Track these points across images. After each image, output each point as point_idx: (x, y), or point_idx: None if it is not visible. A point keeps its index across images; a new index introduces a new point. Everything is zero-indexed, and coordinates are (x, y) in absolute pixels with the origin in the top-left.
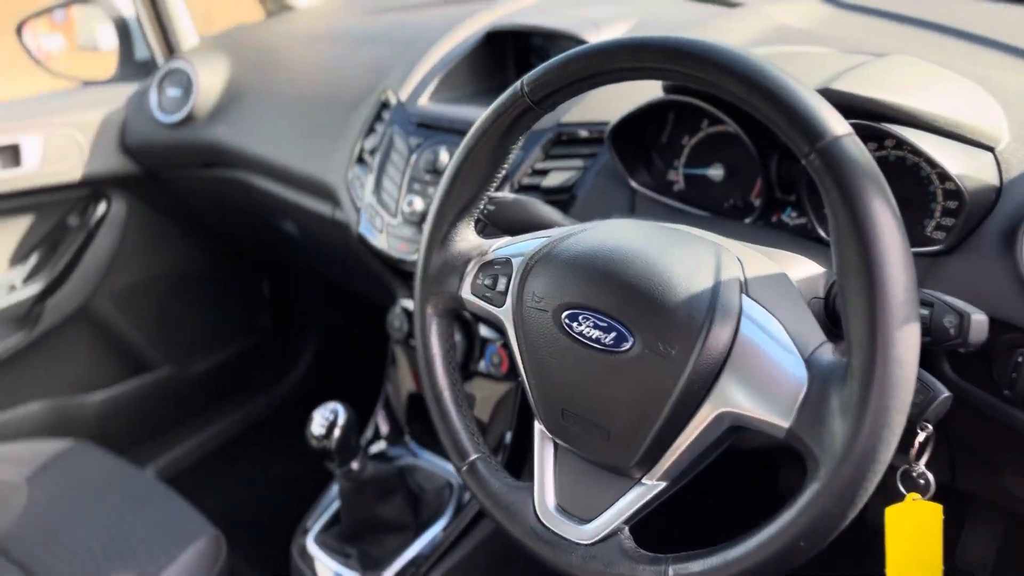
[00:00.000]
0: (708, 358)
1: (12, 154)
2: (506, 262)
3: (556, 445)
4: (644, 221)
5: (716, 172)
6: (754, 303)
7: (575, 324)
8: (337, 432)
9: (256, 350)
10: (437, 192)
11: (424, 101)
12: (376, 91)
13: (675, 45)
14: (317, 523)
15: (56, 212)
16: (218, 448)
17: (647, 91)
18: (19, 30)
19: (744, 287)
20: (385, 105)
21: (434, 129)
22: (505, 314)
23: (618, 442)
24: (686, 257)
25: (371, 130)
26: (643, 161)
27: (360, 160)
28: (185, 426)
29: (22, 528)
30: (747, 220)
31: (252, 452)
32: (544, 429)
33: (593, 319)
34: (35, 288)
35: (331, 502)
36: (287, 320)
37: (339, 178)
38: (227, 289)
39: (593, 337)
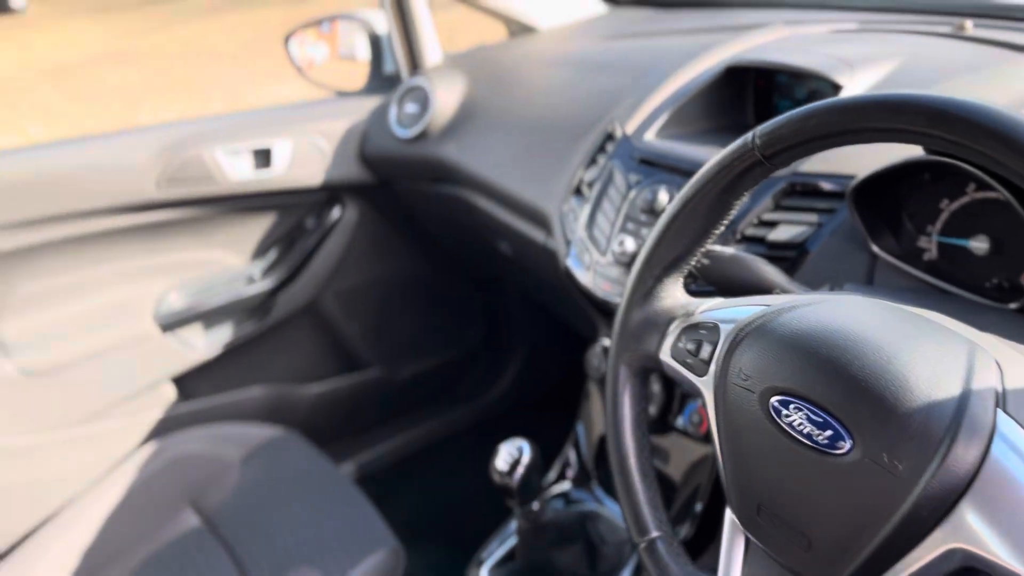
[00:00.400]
0: (945, 481)
1: (264, 157)
2: (713, 327)
3: (748, 540)
4: (883, 302)
5: (979, 245)
6: (1013, 422)
7: (784, 412)
8: (520, 471)
9: (462, 362)
10: (646, 242)
11: (650, 136)
12: (603, 121)
13: (942, 107)
14: (493, 556)
15: (296, 213)
16: (411, 455)
17: (903, 145)
18: (287, 39)
19: (1001, 400)
20: (610, 137)
21: (656, 167)
22: (705, 385)
23: (821, 555)
24: (930, 354)
25: (593, 161)
26: (890, 223)
27: (578, 191)
28: (384, 428)
29: (231, 507)
30: (1012, 305)
31: (443, 463)
32: (735, 520)
33: (807, 411)
34: (271, 282)
35: (508, 537)
36: (496, 336)
37: (554, 207)
38: (442, 299)
39: (804, 431)
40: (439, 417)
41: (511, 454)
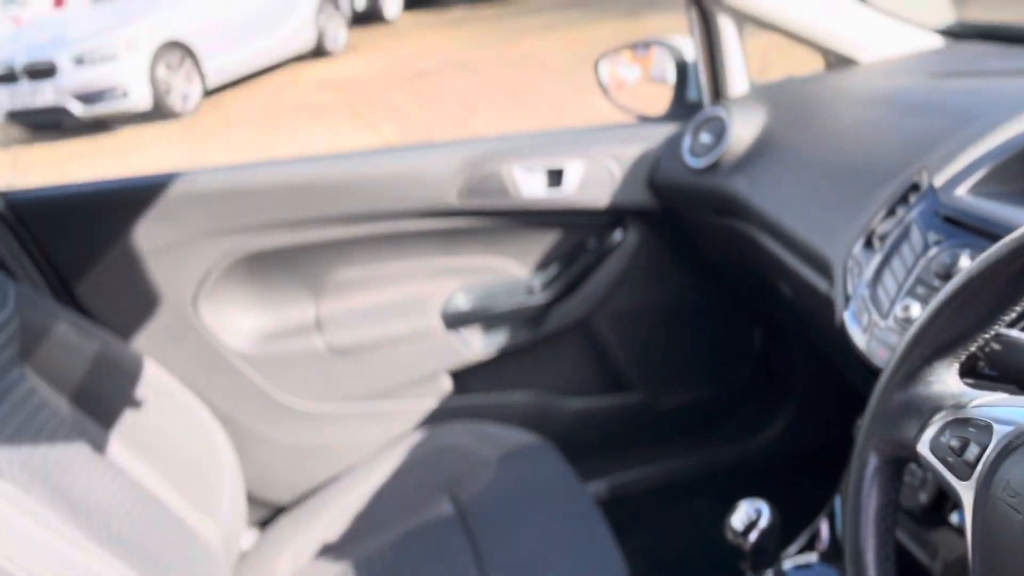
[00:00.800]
0: None
1: (557, 177)
2: (985, 427)
3: None
4: None
5: None
6: None
7: None
8: (754, 535)
9: (728, 401)
10: (919, 318)
11: (962, 191)
12: (910, 169)
13: None
14: None
15: (580, 232)
16: (658, 486)
17: None
18: (598, 61)
19: None
20: (915, 187)
21: (962, 227)
22: (965, 491)
23: None
24: None
25: (891, 212)
26: None
27: (868, 243)
28: (636, 454)
29: (481, 503)
30: None
31: (689, 502)
32: None
33: None
34: (548, 295)
35: None
36: (767, 379)
37: (840, 256)
38: (715, 332)
39: None
40: (694, 454)
41: (748, 515)
